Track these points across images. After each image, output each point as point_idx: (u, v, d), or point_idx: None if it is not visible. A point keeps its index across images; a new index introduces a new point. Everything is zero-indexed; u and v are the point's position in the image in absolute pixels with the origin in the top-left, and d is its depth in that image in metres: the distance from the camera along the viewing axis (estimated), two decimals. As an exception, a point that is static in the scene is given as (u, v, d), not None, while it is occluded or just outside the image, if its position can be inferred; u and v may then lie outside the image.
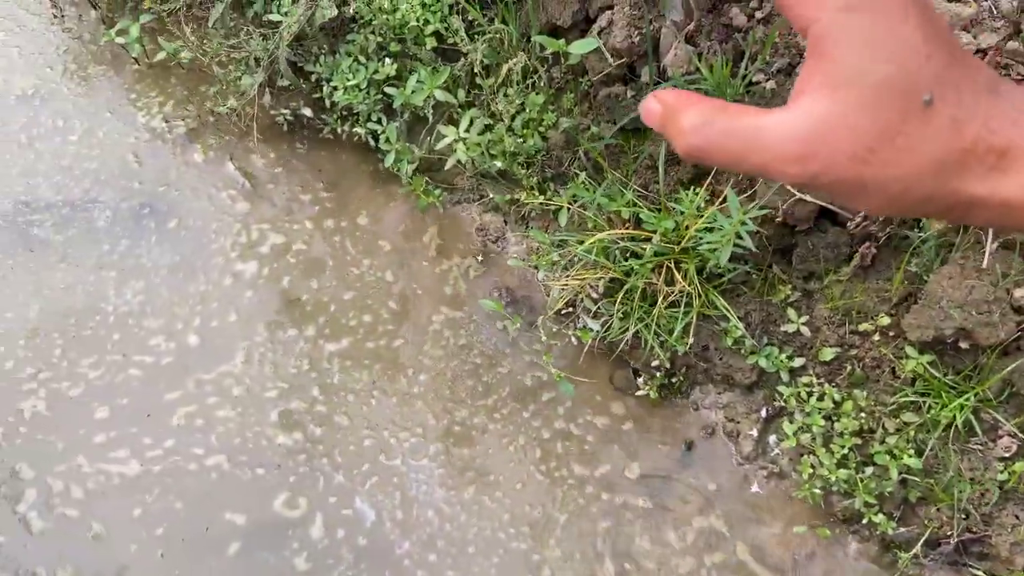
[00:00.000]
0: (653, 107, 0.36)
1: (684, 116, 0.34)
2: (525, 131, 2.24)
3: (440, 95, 2.27)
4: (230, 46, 2.54)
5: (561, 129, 2.20)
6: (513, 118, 2.26)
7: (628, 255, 2.02)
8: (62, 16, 2.92)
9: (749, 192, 1.94)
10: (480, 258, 2.41)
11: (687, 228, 1.95)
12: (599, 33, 2.13)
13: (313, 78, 2.51)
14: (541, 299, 2.32)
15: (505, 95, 2.23)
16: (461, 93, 2.33)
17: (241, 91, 2.53)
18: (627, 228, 2.03)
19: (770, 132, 0.32)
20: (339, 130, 2.52)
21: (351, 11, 2.38)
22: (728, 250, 1.80)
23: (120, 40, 2.59)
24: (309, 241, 2.47)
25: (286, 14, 2.40)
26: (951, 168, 0.32)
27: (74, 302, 2.31)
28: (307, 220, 2.51)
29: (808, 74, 0.33)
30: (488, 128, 2.27)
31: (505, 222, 2.44)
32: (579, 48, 1.91)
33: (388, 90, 2.38)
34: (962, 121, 0.32)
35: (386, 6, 2.33)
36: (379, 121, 2.41)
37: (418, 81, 2.32)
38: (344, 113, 2.50)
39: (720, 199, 1.90)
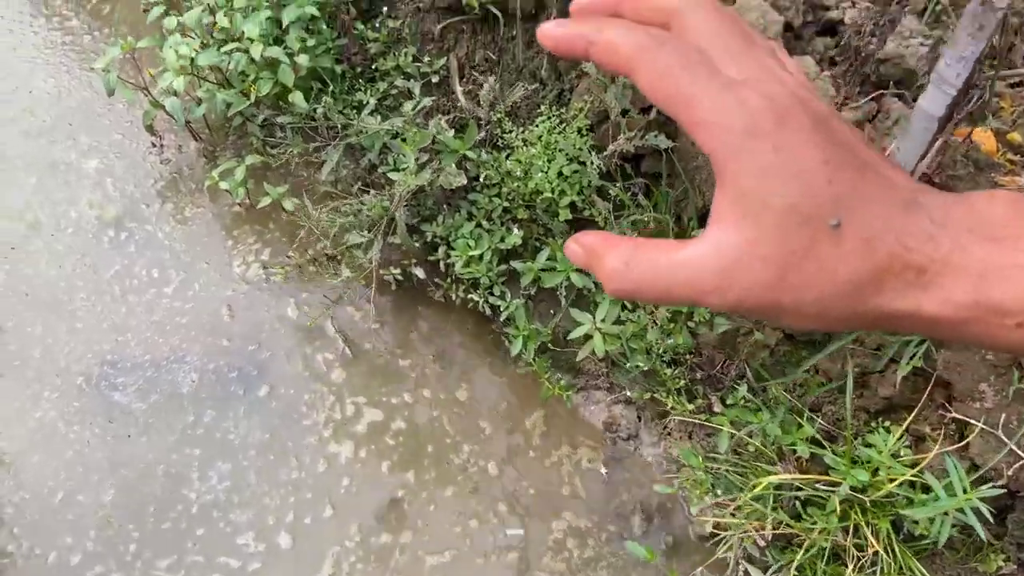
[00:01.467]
0: (575, 249, 0.37)
1: (606, 260, 0.35)
2: (672, 325, 1.96)
3: (577, 279, 2.01)
4: (341, 198, 2.33)
5: (718, 331, 1.91)
6: (657, 307, 1.98)
7: (805, 502, 1.70)
8: (161, 146, 2.77)
9: (961, 442, 1.61)
10: (605, 455, 2.11)
11: (881, 477, 1.62)
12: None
13: (428, 236, 2.28)
14: (682, 516, 2.00)
15: (652, 285, 1.96)
16: (597, 273, 2.06)
17: (347, 245, 2.31)
18: (802, 467, 1.72)
19: (687, 267, 0.33)
20: (453, 296, 2.27)
21: (480, 177, 2.15)
22: (947, 532, 1.47)
23: (224, 185, 2.40)
24: (408, 419, 2.21)
25: (404, 169, 2.18)
26: (867, 287, 0.32)
27: (153, 487, 2.07)
28: (406, 393, 2.25)
29: (718, 201, 0.33)
30: (629, 319, 1.99)
31: (639, 418, 2.15)
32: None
33: (515, 264, 2.12)
34: (874, 240, 0.32)
35: (517, 172, 2.10)
36: (502, 295, 2.16)
37: (549, 258, 2.07)
38: (461, 277, 2.26)
39: (928, 454, 1.58)
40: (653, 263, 0.34)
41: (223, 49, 2.30)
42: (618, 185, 2.01)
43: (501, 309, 2.14)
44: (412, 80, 2.43)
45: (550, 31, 0.36)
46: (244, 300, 2.41)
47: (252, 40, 2.26)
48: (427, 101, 2.29)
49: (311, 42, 2.37)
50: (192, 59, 2.30)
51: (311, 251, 2.44)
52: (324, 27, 2.43)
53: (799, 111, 0.32)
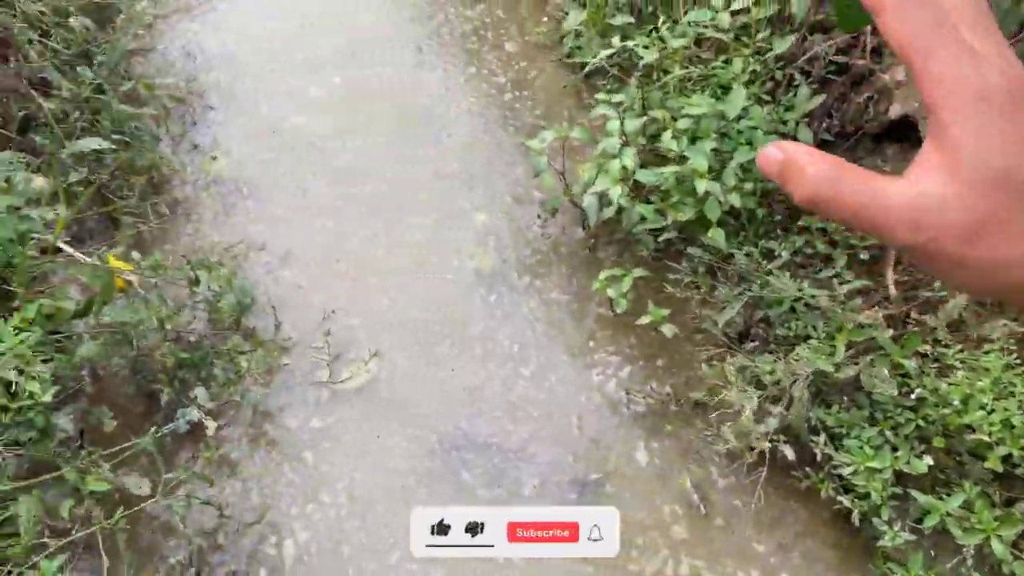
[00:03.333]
0: (774, 153, 0.37)
1: (811, 166, 0.35)
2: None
3: (999, 549, 1.77)
4: (726, 346, 2.25)
5: None
6: None
7: None
8: (545, 221, 2.87)
9: None
10: None
11: None
12: None
13: (814, 418, 2.13)
14: None
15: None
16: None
17: (723, 400, 2.23)
18: None
19: (890, 197, 0.34)
20: (823, 493, 2.11)
21: (912, 393, 1.97)
22: None
23: (610, 293, 2.42)
24: (738, 601, 2.08)
25: (816, 351, 2.06)
26: None
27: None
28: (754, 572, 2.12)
29: (929, 150, 0.34)
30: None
31: None
32: None
33: (916, 494, 1.92)
34: None
35: (954, 401, 1.90)
36: (889, 523, 1.96)
37: (963, 506, 1.85)
38: (837, 475, 2.09)
39: None
40: (856, 179, 0.35)
41: (664, 171, 2.32)
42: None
43: (885, 538, 1.94)
44: (836, 248, 2.30)
45: None
46: (595, 417, 2.40)
47: (698, 172, 2.24)
48: (857, 284, 2.15)
49: (747, 185, 2.32)
50: (632, 172, 2.34)
51: (674, 386, 2.39)
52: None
53: None
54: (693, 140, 2.40)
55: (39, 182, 2.36)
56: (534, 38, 3.45)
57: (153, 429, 2.06)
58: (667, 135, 2.38)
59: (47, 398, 1.90)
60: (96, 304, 2.21)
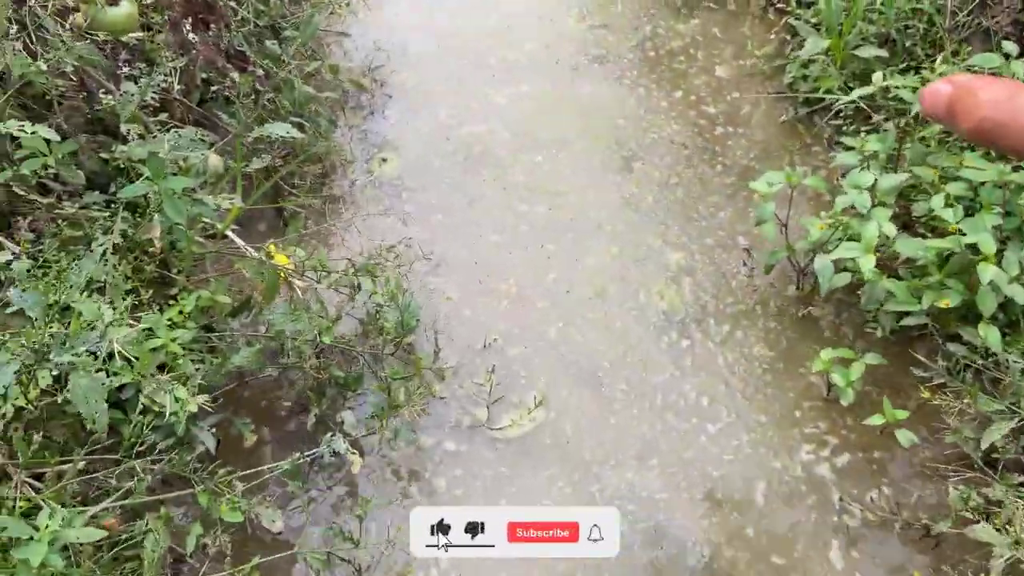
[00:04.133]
0: (941, 88, 0.36)
1: (984, 92, 0.34)
2: None
3: None
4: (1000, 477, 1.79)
5: None
6: None
7: None
8: (751, 270, 2.47)
9: None
10: None
11: None
12: None
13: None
14: None
15: None
16: None
17: (966, 539, 1.77)
18: None
19: None
20: None
21: None
22: None
23: (834, 379, 2.00)
24: None
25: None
26: None
27: None
28: None
29: None
30: None
31: None
32: None
33: None
34: None
35: None
36: None
37: None
38: None
39: None
40: None
41: (931, 245, 1.88)
42: None
43: None
44: None
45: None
46: (786, 491, 2.01)
47: (982, 255, 1.79)
48: None
49: (1040, 276, 1.85)
50: (890, 240, 1.91)
51: (901, 504, 1.95)
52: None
53: None
54: (967, 211, 1.95)
55: (213, 159, 2.19)
56: (750, 62, 3.04)
57: (297, 456, 1.82)
58: (936, 200, 1.93)
59: (193, 407, 1.69)
60: (257, 304, 2.00)
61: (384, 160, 2.79)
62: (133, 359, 1.45)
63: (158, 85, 1.67)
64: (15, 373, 1.30)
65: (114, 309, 1.45)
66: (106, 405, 1.34)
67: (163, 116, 2.12)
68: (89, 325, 1.38)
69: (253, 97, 2.01)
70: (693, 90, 2.99)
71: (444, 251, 2.52)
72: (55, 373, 1.33)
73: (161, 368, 1.77)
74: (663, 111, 2.94)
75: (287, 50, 2.52)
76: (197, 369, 1.77)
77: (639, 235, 2.60)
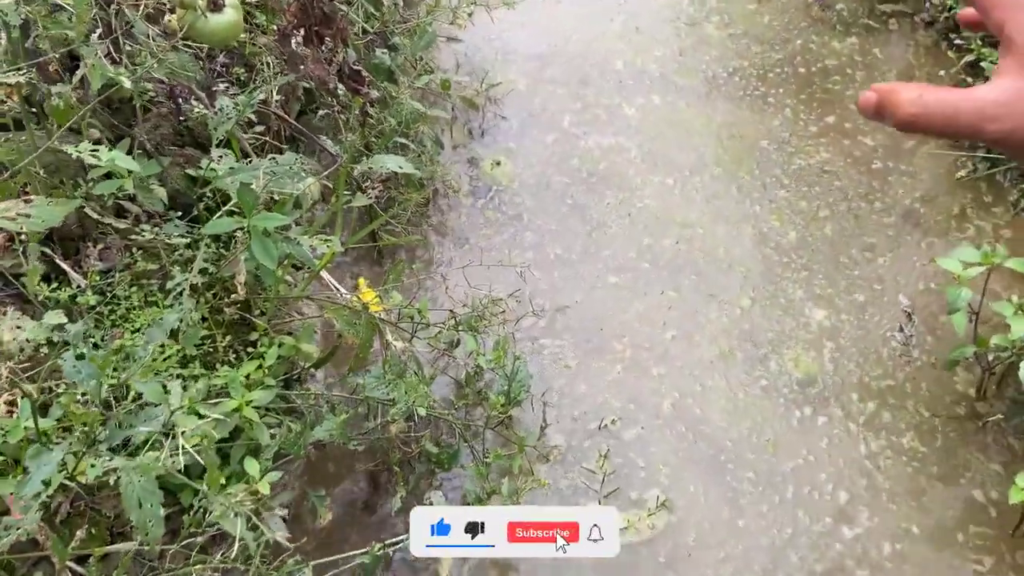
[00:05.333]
0: (869, 95, 0.42)
1: (902, 93, 0.41)
2: None
3: None
4: None
5: None
6: None
7: None
8: (909, 337, 2.08)
9: None
10: None
11: None
12: None
13: None
14: None
15: None
16: None
17: None
18: None
19: (974, 99, 0.39)
20: None
21: None
22: None
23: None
24: None
25: None
26: None
27: None
28: None
29: (1003, 62, 0.40)
30: None
31: None
32: None
33: None
34: None
35: None
36: None
37: None
38: None
39: None
40: (945, 94, 0.40)
41: None
42: None
43: None
44: None
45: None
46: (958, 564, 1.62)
47: None
48: None
49: None
50: None
51: None
52: None
53: None
54: None
55: (309, 182, 1.93)
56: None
57: (378, 547, 1.53)
58: None
59: (265, 488, 1.42)
60: (352, 360, 1.72)
61: (498, 163, 2.49)
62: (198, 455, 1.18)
63: (255, 102, 1.41)
64: (59, 463, 1.04)
65: (184, 386, 1.18)
66: (162, 512, 1.07)
67: (258, 129, 1.88)
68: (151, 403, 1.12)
69: (361, 119, 1.74)
70: (849, 116, 2.59)
71: (559, 297, 2.21)
72: (105, 467, 1.06)
73: (233, 435, 1.51)
74: (812, 137, 2.56)
75: (396, 60, 2.25)
76: (273, 436, 1.50)
77: (776, 282, 2.24)
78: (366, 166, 1.48)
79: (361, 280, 1.94)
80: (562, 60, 2.78)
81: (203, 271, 1.52)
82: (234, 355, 1.65)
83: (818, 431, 2.00)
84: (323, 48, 1.51)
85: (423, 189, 2.33)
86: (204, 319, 1.62)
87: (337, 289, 1.85)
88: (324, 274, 1.85)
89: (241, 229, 1.43)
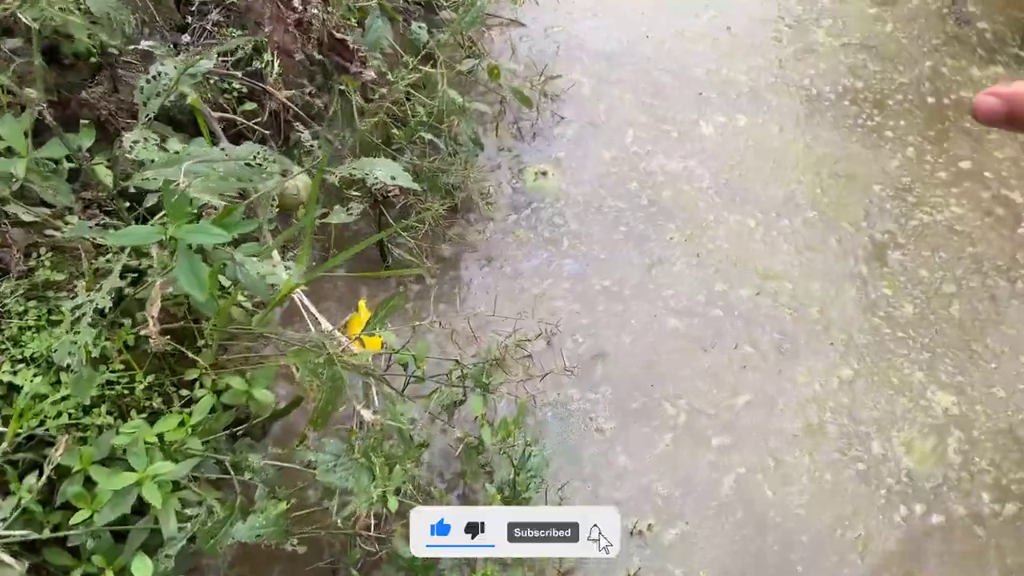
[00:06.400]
0: (988, 100, 0.36)
1: None
2: None
3: None
4: None
5: None
6: None
7: None
8: None
9: None
10: None
11: None
12: None
13: None
14: None
15: None
16: None
17: None
18: None
19: None
20: None
21: None
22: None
23: None
24: None
25: None
26: None
27: None
28: None
29: None
30: None
31: None
32: None
33: None
34: None
35: None
36: None
37: None
38: None
39: None
40: None
41: None
42: None
43: None
44: None
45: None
46: None
47: None
48: None
49: None
50: None
51: None
52: None
53: None
54: None
55: (299, 182, 1.53)
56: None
57: None
58: None
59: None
60: (314, 418, 1.31)
61: (543, 174, 2.06)
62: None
63: (202, 71, 1.01)
64: None
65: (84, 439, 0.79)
66: None
67: (249, 107, 1.48)
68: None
69: (360, 106, 1.32)
70: (990, 164, 2.08)
71: (600, 338, 1.78)
72: None
73: (137, 510, 1.12)
74: (941, 185, 2.06)
75: (436, 36, 1.84)
76: (181, 529, 1.10)
77: (887, 358, 1.76)
78: (347, 171, 1.07)
79: (362, 303, 1.54)
80: (633, 61, 2.32)
81: (117, 291, 1.13)
82: (161, 399, 1.26)
83: (928, 534, 1.55)
84: (293, 5, 1.09)
85: (450, 197, 1.91)
86: (126, 347, 1.23)
87: (315, 318, 1.44)
88: (304, 301, 1.44)
89: (162, 243, 1.04)
